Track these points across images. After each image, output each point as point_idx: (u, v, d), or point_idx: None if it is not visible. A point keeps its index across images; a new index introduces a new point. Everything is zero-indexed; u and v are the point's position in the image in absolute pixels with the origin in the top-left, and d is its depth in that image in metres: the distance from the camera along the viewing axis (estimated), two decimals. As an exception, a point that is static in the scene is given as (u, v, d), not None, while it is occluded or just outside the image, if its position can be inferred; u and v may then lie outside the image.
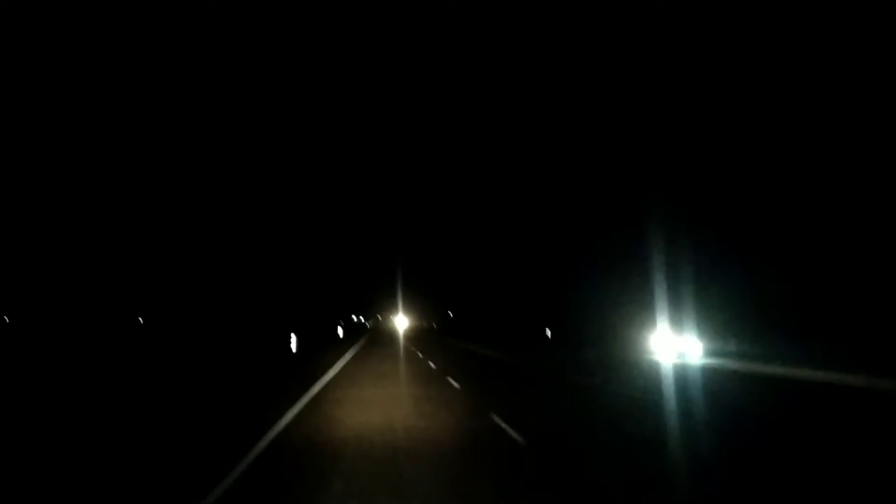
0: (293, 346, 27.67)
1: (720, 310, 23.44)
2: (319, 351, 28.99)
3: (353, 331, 77.42)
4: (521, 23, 35.02)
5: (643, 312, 26.31)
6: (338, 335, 54.47)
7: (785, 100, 22.75)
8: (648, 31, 27.55)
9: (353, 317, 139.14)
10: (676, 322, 22.82)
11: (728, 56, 24.46)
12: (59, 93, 38.23)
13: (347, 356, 25.42)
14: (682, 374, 17.47)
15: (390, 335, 65.47)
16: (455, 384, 15.90)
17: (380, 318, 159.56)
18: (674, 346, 22.62)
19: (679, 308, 22.73)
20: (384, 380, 17.07)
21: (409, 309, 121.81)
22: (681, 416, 10.71)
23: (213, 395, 13.34)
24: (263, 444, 8.18)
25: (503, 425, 9.39)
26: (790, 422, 10.21)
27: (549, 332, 41.67)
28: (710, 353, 22.02)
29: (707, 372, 18.17)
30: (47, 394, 13.49)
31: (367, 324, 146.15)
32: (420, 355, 28.36)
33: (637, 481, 6.48)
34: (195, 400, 12.60)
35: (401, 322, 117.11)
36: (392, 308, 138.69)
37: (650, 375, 17.06)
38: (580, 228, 38.68)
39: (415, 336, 62.89)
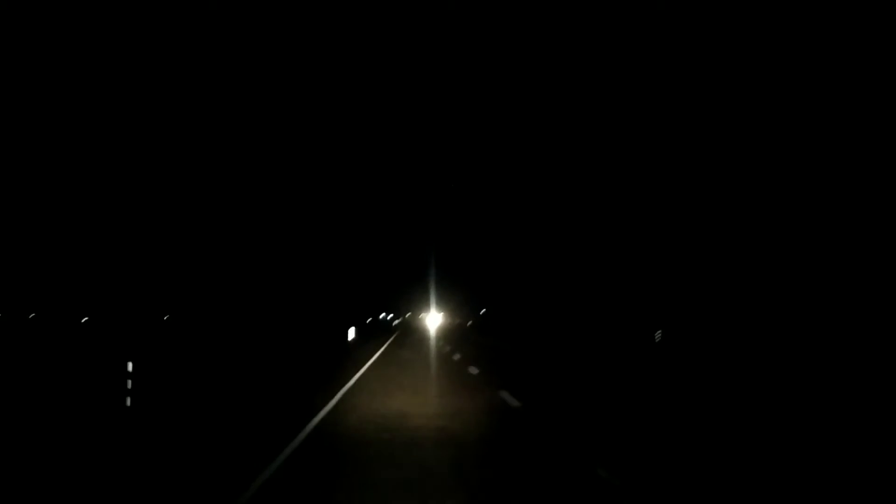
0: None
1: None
2: (255, 389, 13.94)
3: (373, 332, 62.22)
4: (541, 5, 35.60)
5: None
6: (347, 341, 39.14)
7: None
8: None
9: (382, 314, 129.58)
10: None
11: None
12: (59, 93, 39.04)
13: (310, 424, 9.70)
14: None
15: (420, 337, 51.88)
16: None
17: (409, 314, 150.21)
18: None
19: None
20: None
21: (442, 304, 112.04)
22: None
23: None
24: None
25: None
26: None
27: (658, 336, 27.65)
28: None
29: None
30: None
31: (394, 322, 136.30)
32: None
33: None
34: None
35: (433, 319, 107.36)
36: (423, 304, 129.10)
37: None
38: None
39: (455, 339, 46.45)
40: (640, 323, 31.55)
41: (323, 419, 9.90)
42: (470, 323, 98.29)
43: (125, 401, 10.67)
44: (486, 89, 49.19)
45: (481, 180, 66.94)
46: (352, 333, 41.16)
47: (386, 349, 31.26)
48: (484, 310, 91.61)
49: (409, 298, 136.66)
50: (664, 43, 28.03)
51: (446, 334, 56.75)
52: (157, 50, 39.40)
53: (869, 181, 20.23)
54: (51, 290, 47.66)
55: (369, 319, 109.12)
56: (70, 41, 37.32)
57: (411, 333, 64.03)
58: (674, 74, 28.23)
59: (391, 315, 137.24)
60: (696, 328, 26.25)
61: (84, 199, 43.00)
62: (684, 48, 26.74)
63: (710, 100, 26.06)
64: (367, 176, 76.40)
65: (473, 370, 18.76)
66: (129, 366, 10.84)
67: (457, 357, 24.67)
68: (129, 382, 10.77)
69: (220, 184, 46.84)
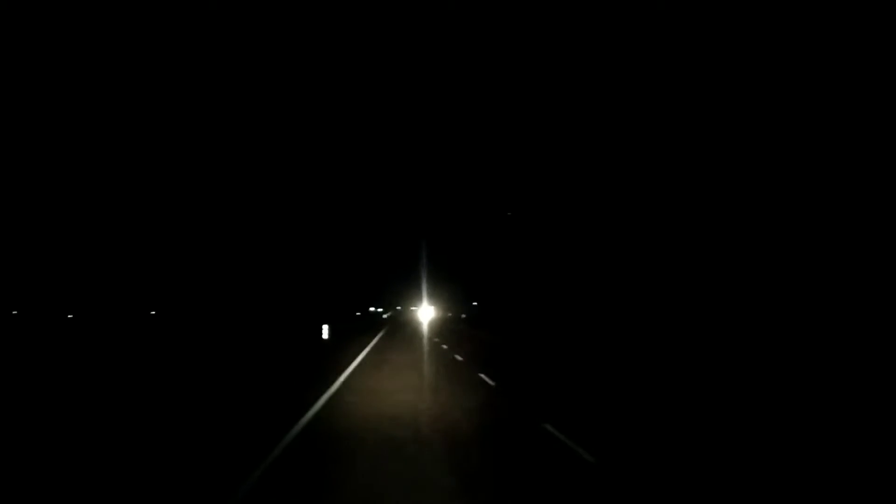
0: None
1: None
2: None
3: (359, 328, 53.44)
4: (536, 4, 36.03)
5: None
6: (322, 340, 31.92)
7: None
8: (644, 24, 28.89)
9: (372, 307, 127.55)
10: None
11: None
12: (59, 93, 39.26)
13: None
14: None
15: (412, 333, 45.31)
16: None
17: (399, 308, 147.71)
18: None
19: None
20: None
21: (433, 297, 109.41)
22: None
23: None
24: None
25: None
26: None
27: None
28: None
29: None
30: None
31: (384, 315, 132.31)
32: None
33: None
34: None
35: (425, 313, 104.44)
36: (415, 296, 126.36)
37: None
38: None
39: (457, 338, 39.21)
40: (628, 317, 31.20)
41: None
42: (464, 316, 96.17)
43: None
44: (480, 82, 49.04)
45: (475, 174, 65.86)
46: (326, 332, 33.41)
47: (366, 358, 22.07)
48: (475, 302, 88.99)
49: (399, 291, 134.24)
50: (664, 43, 27.83)
51: (445, 332, 49.41)
52: (152, 46, 39.12)
53: (870, 180, 19.83)
54: (35, 287, 46.23)
55: (358, 313, 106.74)
56: (70, 41, 36.98)
57: (402, 329, 56.35)
58: (671, 74, 27.88)
59: (380, 308, 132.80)
60: (690, 325, 25.57)
61: (67, 199, 42.39)
62: (684, 48, 26.79)
63: (709, 99, 25.85)
64: (359, 169, 74.50)
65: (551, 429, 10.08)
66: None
67: (484, 378, 16.24)
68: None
69: (203, 173, 45.12)
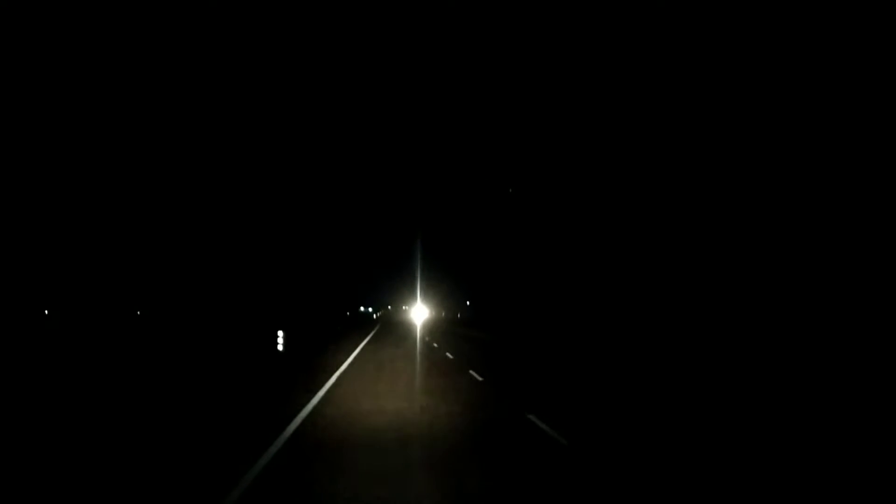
0: None
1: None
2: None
3: (340, 333, 44.68)
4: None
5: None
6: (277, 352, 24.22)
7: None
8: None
9: (362, 308, 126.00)
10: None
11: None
12: (59, 93, 39.26)
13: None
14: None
15: (404, 336, 41.32)
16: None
17: (389, 308, 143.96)
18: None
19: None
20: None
21: (428, 296, 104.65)
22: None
23: None
24: None
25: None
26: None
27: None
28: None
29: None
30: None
31: (374, 315, 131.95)
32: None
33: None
34: None
35: (418, 313, 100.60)
36: (408, 295, 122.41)
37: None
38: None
39: (448, 336, 41.17)
40: (621, 317, 30.37)
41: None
42: (459, 315, 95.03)
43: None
44: (475, 82, 49.11)
45: (470, 171, 64.28)
46: (281, 343, 24.71)
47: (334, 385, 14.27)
48: (469, 302, 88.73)
49: (392, 289, 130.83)
50: (664, 43, 28.04)
51: (438, 332, 48.51)
52: (150, 44, 38.46)
53: (869, 181, 19.79)
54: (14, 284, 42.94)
55: (348, 313, 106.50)
56: (70, 41, 36.86)
57: (391, 333, 48.96)
58: (672, 51, 27.36)
59: (371, 308, 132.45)
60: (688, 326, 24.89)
61: (46, 197, 40.75)
62: (684, 48, 26.76)
63: (706, 100, 26.01)
64: (354, 167, 74.70)
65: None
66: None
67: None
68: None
69: (182, 169, 44.58)
